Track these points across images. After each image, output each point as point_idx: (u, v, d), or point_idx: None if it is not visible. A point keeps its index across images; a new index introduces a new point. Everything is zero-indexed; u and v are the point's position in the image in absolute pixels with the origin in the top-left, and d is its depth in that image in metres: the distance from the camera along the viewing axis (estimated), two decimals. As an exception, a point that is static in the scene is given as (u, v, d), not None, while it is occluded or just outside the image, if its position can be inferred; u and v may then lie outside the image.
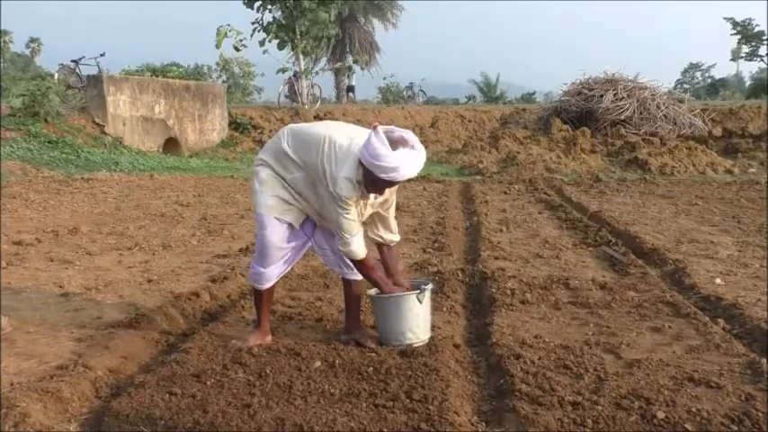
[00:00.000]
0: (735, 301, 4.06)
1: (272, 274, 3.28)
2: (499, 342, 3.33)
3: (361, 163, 2.92)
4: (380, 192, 3.05)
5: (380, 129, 2.87)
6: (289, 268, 3.43)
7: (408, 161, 2.86)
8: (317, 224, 3.32)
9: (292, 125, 3.35)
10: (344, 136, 3.06)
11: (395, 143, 2.86)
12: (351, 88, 28.05)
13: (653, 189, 10.55)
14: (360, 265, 3.16)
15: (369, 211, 3.17)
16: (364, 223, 3.21)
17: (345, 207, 2.99)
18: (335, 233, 3.13)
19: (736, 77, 50.12)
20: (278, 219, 3.18)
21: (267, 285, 3.30)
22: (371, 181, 2.94)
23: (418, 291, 3.24)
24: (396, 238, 3.36)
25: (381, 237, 3.31)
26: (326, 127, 3.19)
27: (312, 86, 20.03)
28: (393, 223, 3.33)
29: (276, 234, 3.18)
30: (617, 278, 4.77)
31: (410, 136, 2.93)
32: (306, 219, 3.28)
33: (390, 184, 2.97)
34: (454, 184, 11.54)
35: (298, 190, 3.18)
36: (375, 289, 3.43)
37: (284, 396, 2.65)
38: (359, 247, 3.08)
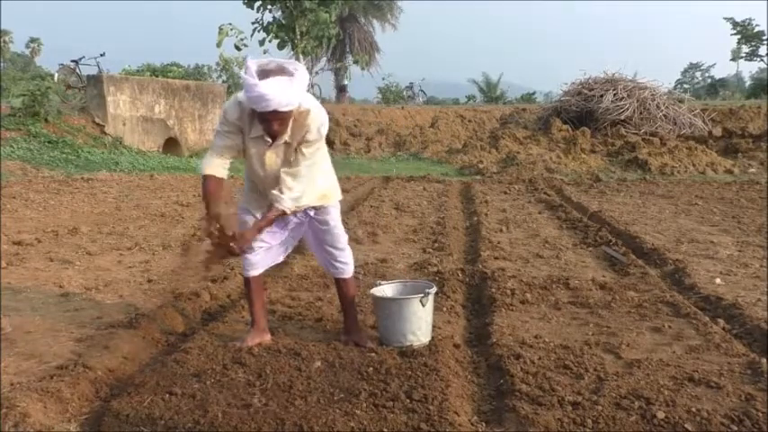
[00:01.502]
0: (735, 301, 4.06)
1: (254, 261, 3.28)
2: (499, 342, 3.33)
3: None
4: (270, 127, 2.91)
5: (251, 61, 2.83)
6: (274, 262, 3.43)
7: (276, 89, 2.75)
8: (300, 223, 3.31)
9: None
10: None
11: (269, 72, 2.80)
12: (342, 87, 28.01)
13: (653, 189, 10.55)
14: (202, 183, 3.18)
15: (273, 157, 3.06)
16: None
17: (220, 122, 3.08)
18: None
19: (736, 77, 50.10)
20: (246, 208, 3.30)
21: (251, 272, 3.30)
22: (258, 117, 2.91)
23: (422, 294, 3.24)
24: (281, 193, 3.04)
25: (278, 194, 3.07)
26: None
27: (312, 86, 20.05)
28: (299, 169, 3.05)
29: (244, 222, 3.25)
30: (617, 278, 4.76)
31: (290, 64, 2.86)
32: (297, 222, 3.27)
33: (268, 115, 2.84)
34: (454, 184, 11.54)
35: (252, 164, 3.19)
36: (376, 289, 3.44)
37: (284, 396, 2.65)
38: (205, 162, 3.11)
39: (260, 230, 3.16)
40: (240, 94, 2.98)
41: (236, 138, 3.07)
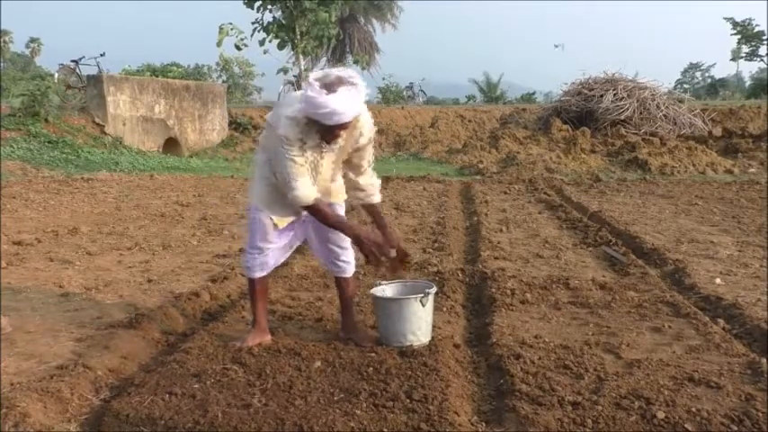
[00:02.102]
0: (735, 301, 4.06)
1: (261, 261, 3.26)
2: (499, 342, 3.33)
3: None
4: (335, 138, 2.97)
5: (312, 78, 2.86)
6: (277, 264, 3.42)
7: (348, 100, 2.81)
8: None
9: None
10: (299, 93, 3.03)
11: (331, 86, 2.82)
12: None
13: (653, 189, 10.55)
14: (312, 211, 3.06)
15: (329, 168, 3.10)
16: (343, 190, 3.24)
17: (286, 147, 2.93)
18: (284, 184, 3.01)
19: (736, 77, 50.10)
20: (261, 209, 3.19)
21: (257, 273, 3.28)
22: (323, 130, 2.92)
23: (422, 294, 3.24)
24: (371, 194, 3.30)
25: (358, 198, 3.28)
26: None
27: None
28: (368, 183, 3.28)
29: (262, 223, 3.20)
30: (617, 278, 4.76)
31: (347, 73, 2.90)
32: (293, 221, 3.28)
33: (341, 127, 2.91)
34: (454, 184, 11.54)
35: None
36: (376, 289, 3.44)
37: (284, 396, 2.65)
38: (305, 191, 2.96)
39: (396, 238, 3.29)
40: (290, 112, 2.95)
41: (303, 153, 3.01)
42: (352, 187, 3.31)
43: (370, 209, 3.36)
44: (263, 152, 3.24)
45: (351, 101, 2.83)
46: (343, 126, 2.92)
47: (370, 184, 3.31)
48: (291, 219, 3.23)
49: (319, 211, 3.05)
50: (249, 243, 3.27)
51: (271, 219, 3.19)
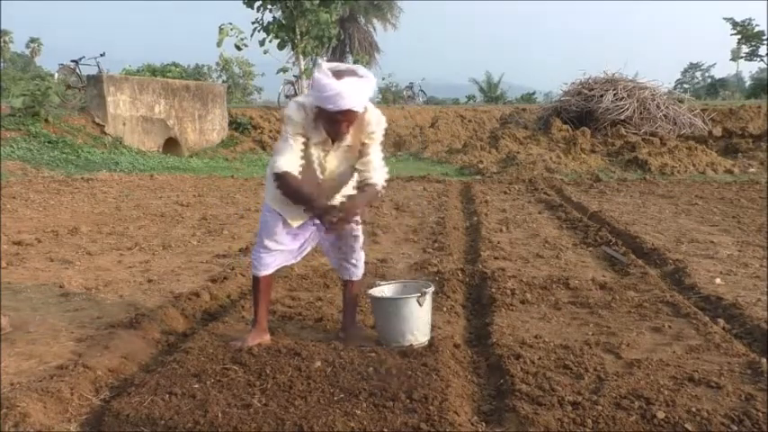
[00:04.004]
0: (735, 301, 4.06)
1: (268, 261, 3.27)
2: (499, 342, 3.33)
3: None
4: (340, 128, 2.94)
5: (324, 63, 2.88)
6: (287, 263, 3.44)
7: (352, 87, 2.80)
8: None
9: None
10: None
11: (340, 74, 2.83)
12: None
13: (653, 189, 10.55)
14: (281, 182, 3.01)
15: (332, 161, 3.07)
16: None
17: (286, 125, 2.99)
18: (272, 159, 3.05)
19: (736, 77, 50.12)
20: (276, 211, 3.20)
21: (263, 272, 3.28)
22: (326, 119, 2.91)
23: (419, 294, 3.24)
24: (373, 175, 3.14)
25: (364, 176, 3.16)
26: None
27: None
28: (376, 162, 3.16)
29: (272, 223, 3.21)
30: (617, 278, 4.76)
31: (359, 68, 2.92)
32: (305, 222, 3.27)
33: (341, 114, 2.86)
34: (454, 184, 11.54)
35: None
36: (375, 289, 3.44)
37: (284, 396, 2.65)
38: (281, 162, 2.97)
39: (355, 210, 3.11)
40: (300, 98, 2.98)
41: (302, 140, 3.02)
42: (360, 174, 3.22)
43: (362, 186, 3.19)
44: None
45: (356, 89, 2.82)
46: (347, 115, 2.88)
47: (374, 168, 3.17)
48: (304, 219, 3.22)
49: (288, 184, 3.00)
50: (258, 241, 3.29)
51: (282, 219, 3.20)
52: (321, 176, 3.11)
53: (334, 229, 3.05)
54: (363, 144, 3.11)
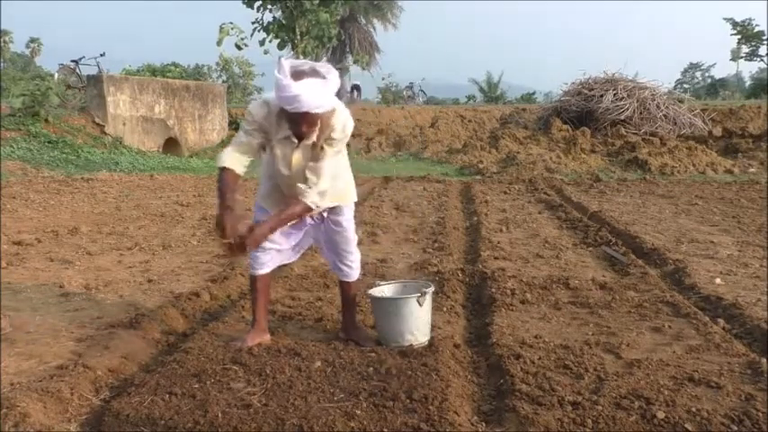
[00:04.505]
0: (735, 301, 4.06)
1: (264, 260, 3.27)
2: (499, 342, 3.33)
3: None
4: (299, 129, 2.89)
5: (285, 61, 2.81)
6: (283, 262, 3.44)
7: (310, 90, 2.74)
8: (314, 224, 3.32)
9: None
10: None
11: (302, 74, 2.79)
12: (356, 87, 28.00)
13: (653, 189, 10.55)
14: (218, 175, 3.04)
15: (298, 159, 3.04)
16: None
17: (245, 121, 3.03)
18: None
19: (736, 77, 50.11)
20: (263, 207, 3.25)
21: (259, 271, 3.28)
22: (287, 118, 2.89)
23: (419, 294, 3.24)
24: (310, 192, 3.01)
25: (300, 189, 3.03)
26: None
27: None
28: (319, 168, 3.02)
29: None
30: (617, 278, 4.76)
31: (323, 66, 2.85)
32: (298, 222, 3.27)
33: (298, 116, 2.82)
34: (454, 184, 11.54)
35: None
36: (375, 289, 3.44)
37: (284, 396, 2.65)
38: (225, 156, 3.01)
39: (273, 229, 3.07)
40: (267, 95, 2.98)
41: (258, 137, 3.03)
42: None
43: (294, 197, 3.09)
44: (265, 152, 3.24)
45: (314, 91, 2.75)
46: (304, 117, 2.83)
47: (314, 175, 3.02)
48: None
49: (220, 179, 3.02)
50: None
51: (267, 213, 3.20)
52: (288, 172, 3.08)
53: (231, 252, 2.98)
54: (321, 148, 3.02)
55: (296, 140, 2.99)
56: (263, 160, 3.27)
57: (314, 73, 2.81)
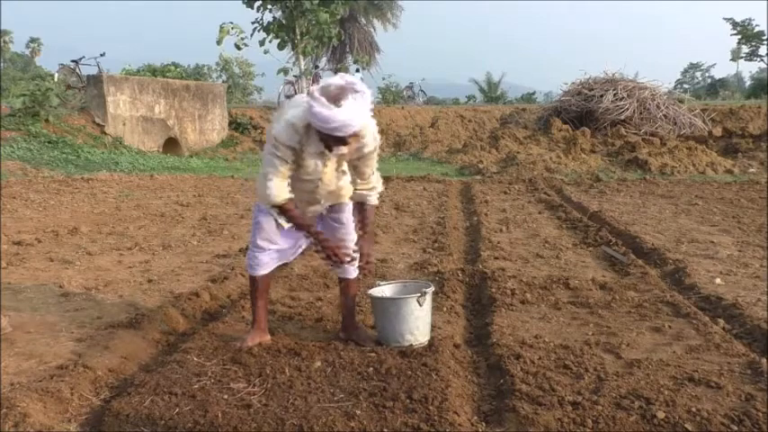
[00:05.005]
0: (735, 301, 4.06)
1: (264, 261, 3.28)
2: (499, 342, 3.33)
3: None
4: (343, 143, 2.94)
5: (315, 91, 2.84)
6: (283, 262, 3.44)
7: (354, 111, 2.81)
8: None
9: None
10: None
11: (336, 97, 2.81)
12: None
13: (653, 189, 10.55)
14: (282, 210, 3.10)
15: (331, 170, 3.12)
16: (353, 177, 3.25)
17: (274, 147, 2.99)
18: (260, 181, 3.07)
19: (736, 77, 50.12)
20: (268, 211, 3.20)
21: (259, 272, 3.28)
22: (333, 139, 2.91)
23: (419, 294, 3.24)
24: (371, 191, 3.31)
25: (359, 188, 3.28)
26: None
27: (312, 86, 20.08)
28: (371, 176, 3.28)
29: (265, 223, 3.21)
30: (617, 278, 4.76)
31: (348, 81, 2.88)
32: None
33: (351, 136, 2.90)
34: (454, 184, 11.54)
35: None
36: (375, 289, 3.44)
37: (284, 396, 2.65)
38: (276, 192, 3.01)
39: (371, 241, 3.37)
40: (290, 116, 2.96)
41: (291, 158, 3.05)
42: (357, 179, 3.30)
43: (362, 208, 3.35)
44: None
45: (358, 110, 2.83)
46: (353, 136, 2.92)
47: (372, 187, 3.32)
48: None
49: (288, 211, 3.10)
50: (252, 241, 3.29)
51: (273, 218, 3.20)
52: (317, 182, 3.13)
53: (338, 261, 3.20)
54: (360, 156, 3.14)
55: (328, 152, 3.03)
56: (263, 162, 3.26)
57: (345, 91, 2.83)
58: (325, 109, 2.78)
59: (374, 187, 3.32)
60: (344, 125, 2.80)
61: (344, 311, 3.48)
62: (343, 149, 2.98)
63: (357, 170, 3.25)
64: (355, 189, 3.30)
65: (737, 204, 8.68)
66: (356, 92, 2.84)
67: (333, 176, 3.16)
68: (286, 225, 3.22)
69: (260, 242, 3.24)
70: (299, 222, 3.15)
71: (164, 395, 2.64)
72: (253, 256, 3.28)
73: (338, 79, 2.89)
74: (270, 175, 3.01)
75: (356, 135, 2.94)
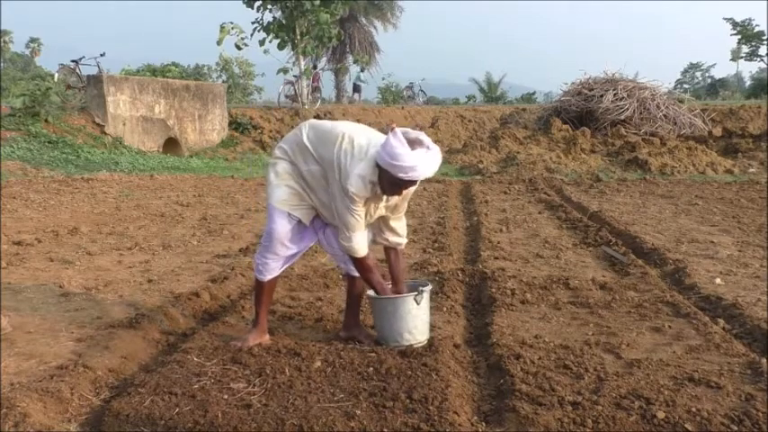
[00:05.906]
0: (735, 301, 4.06)
1: (275, 266, 3.29)
2: (499, 342, 3.33)
3: (378, 165, 2.95)
4: (398, 192, 3.07)
5: (398, 130, 2.92)
6: (289, 265, 3.44)
7: (426, 160, 2.91)
8: (326, 220, 3.33)
9: (313, 120, 3.38)
10: (364, 136, 3.10)
11: (411, 143, 2.91)
12: (356, 87, 28.02)
13: (653, 189, 10.55)
14: (358, 263, 3.19)
15: (379, 212, 3.20)
16: (372, 225, 3.26)
17: (353, 203, 3.01)
18: (339, 229, 3.14)
19: (736, 77, 50.13)
20: (289, 214, 3.20)
21: (268, 277, 3.29)
22: (389, 182, 2.97)
23: (416, 293, 3.24)
24: (402, 240, 3.40)
25: (387, 240, 3.34)
26: (347, 125, 3.22)
27: (314, 89, 20.08)
28: (401, 227, 3.36)
29: (283, 228, 3.20)
30: (617, 278, 4.76)
31: (424, 137, 2.99)
32: (314, 218, 3.29)
33: (409, 183, 3.00)
34: (454, 184, 11.54)
35: (310, 184, 3.19)
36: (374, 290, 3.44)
37: (284, 396, 2.65)
38: (360, 244, 3.10)
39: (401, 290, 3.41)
40: (359, 170, 2.98)
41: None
42: (384, 227, 3.33)
43: (394, 254, 3.40)
44: (288, 161, 3.23)
45: (430, 162, 2.93)
46: (414, 182, 3.01)
47: (401, 226, 3.37)
48: (313, 212, 3.26)
49: (365, 265, 3.21)
50: (267, 248, 3.25)
51: (294, 221, 3.21)
52: (367, 219, 3.18)
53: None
54: (396, 206, 3.23)
55: (383, 194, 3.09)
56: (279, 170, 3.23)
57: (421, 143, 2.94)
58: (401, 147, 2.87)
59: (403, 226, 3.38)
60: (413, 168, 2.88)
61: (348, 308, 3.49)
62: (396, 198, 3.11)
63: (385, 221, 3.28)
64: (387, 228, 3.33)
65: (737, 204, 8.68)
66: (429, 148, 2.94)
67: (375, 215, 3.20)
68: (307, 221, 3.25)
69: (278, 249, 3.23)
70: (372, 278, 3.26)
71: (164, 395, 2.64)
72: (264, 262, 3.27)
73: (417, 132, 3.01)
74: (352, 228, 3.07)
75: (414, 184, 3.04)
